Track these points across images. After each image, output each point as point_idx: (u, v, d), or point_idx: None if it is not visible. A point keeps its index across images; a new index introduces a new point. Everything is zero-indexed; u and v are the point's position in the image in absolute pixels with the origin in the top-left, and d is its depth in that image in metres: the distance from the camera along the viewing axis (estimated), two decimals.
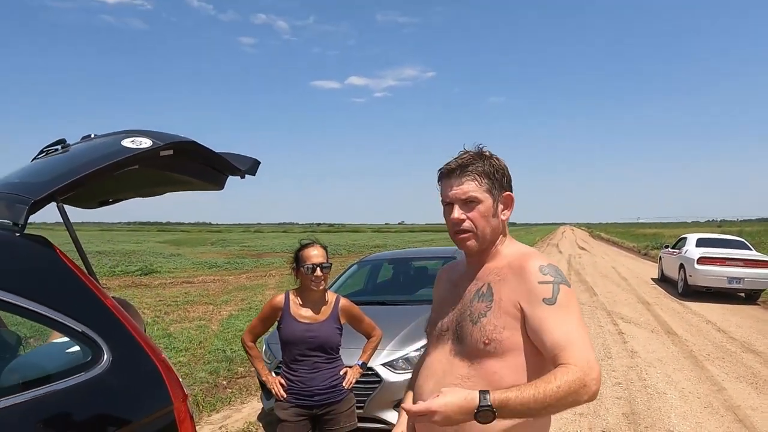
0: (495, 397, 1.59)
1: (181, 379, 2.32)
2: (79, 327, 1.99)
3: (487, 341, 1.81)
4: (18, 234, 2.01)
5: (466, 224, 1.91)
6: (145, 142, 2.39)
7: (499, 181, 1.93)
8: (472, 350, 1.85)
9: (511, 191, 1.98)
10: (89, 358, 2.00)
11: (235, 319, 11.60)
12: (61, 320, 1.95)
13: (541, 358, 1.78)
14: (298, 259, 3.62)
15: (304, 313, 3.61)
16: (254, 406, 6.56)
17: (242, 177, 3.30)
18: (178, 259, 32.76)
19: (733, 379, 7.45)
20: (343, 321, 3.74)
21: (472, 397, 1.59)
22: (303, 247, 3.65)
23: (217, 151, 2.96)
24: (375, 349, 4.03)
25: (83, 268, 2.20)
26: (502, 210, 1.96)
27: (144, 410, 2.13)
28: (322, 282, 3.58)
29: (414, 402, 1.96)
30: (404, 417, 2.18)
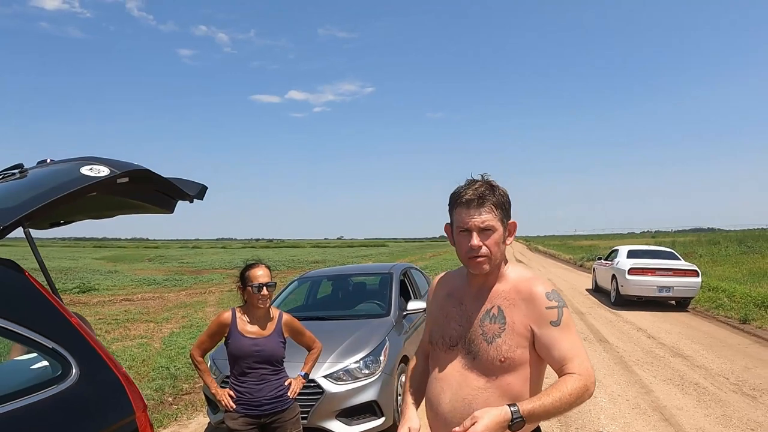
0: (524, 408, 1.91)
1: (140, 390, 2.45)
2: (49, 343, 2.11)
3: (503, 359, 2.09)
4: None
5: (483, 250, 2.10)
6: (103, 171, 2.54)
7: (507, 211, 2.16)
8: (487, 366, 2.12)
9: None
10: (59, 372, 2.13)
11: (177, 337, 11.49)
12: (33, 337, 2.07)
13: (540, 368, 2.15)
14: (244, 279, 3.79)
15: (251, 329, 3.81)
16: (201, 421, 6.57)
17: (191, 201, 3.46)
18: (116, 276, 32.09)
19: (660, 382, 7.80)
20: (286, 335, 3.94)
21: (505, 412, 1.90)
22: (249, 267, 3.84)
23: (167, 177, 3.09)
24: (316, 360, 4.22)
25: (48, 288, 2.31)
26: (508, 237, 2.18)
27: (110, 419, 2.26)
28: (268, 300, 3.79)
29: (432, 409, 2.26)
30: (412, 410, 2.39)
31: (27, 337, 2.06)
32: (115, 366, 2.36)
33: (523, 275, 2.22)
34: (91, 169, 2.54)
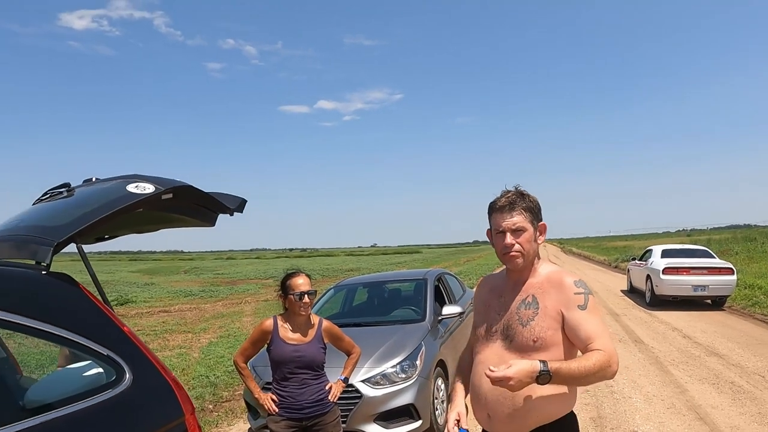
0: (551, 365, 2.20)
1: (188, 394, 2.63)
2: (105, 351, 2.29)
3: (535, 339, 2.38)
4: (44, 272, 2.30)
5: (516, 248, 2.46)
6: (149, 188, 2.71)
7: (537, 214, 2.51)
8: (522, 346, 2.41)
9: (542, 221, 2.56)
10: (113, 378, 2.30)
11: (216, 346, 11.72)
12: (89, 345, 2.25)
13: (571, 351, 2.40)
14: (285, 287, 3.96)
15: (292, 336, 3.97)
16: (241, 427, 6.78)
17: (231, 215, 3.62)
18: (153, 289, 32.55)
19: (695, 382, 7.81)
20: (326, 341, 4.10)
21: (535, 365, 2.20)
22: (289, 275, 4.00)
23: (208, 191, 3.25)
24: (355, 364, 4.39)
25: (101, 299, 2.49)
26: (539, 236, 2.53)
27: (162, 421, 2.43)
28: (309, 307, 3.96)
29: (467, 395, 2.66)
30: (460, 397, 2.69)
31: (84, 345, 2.23)
32: (165, 371, 2.52)
33: (554, 269, 2.56)
34: (137, 186, 2.70)
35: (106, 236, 3.76)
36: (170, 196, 2.85)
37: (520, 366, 2.20)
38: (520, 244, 2.45)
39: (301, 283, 3.91)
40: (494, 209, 2.52)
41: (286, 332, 3.97)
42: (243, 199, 3.67)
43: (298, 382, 3.95)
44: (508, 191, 2.53)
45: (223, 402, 7.91)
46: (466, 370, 2.76)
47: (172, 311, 20.33)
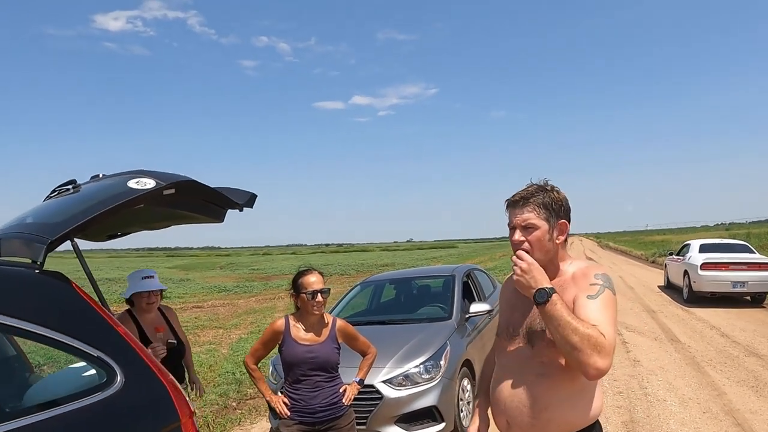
0: (555, 296, 2.07)
1: (188, 398, 2.53)
2: (95, 352, 2.21)
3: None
4: (37, 271, 2.24)
5: (525, 245, 2.29)
6: (149, 183, 2.64)
7: (556, 211, 2.31)
8: (544, 351, 2.23)
9: (568, 219, 2.36)
10: (104, 380, 2.23)
11: (245, 342, 11.70)
12: (78, 346, 2.17)
13: None
14: (297, 286, 3.82)
15: (304, 336, 3.83)
16: (263, 426, 6.70)
17: (240, 210, 3.55)
18: (188, 284, 32.83)
19: (733, 384, 7.52)
20: (340, 341, 3.95)
21: (546, 281, 2.13)
22: (301, 273, 3.86)
23: (216, 186, 3.19)
24: (371, 365, 4.23)
25: (96, 298, 2.42)
26: (557, 235, 2.32)
27: (155, 425, 2.35)
28: (322, 306, 3.82)
29: (494, 396, 2.44)
30: (482, 408, 2.66)
31: (72, 346, 2.15)
32: (161, 374, 2.44)
33: (583, 265, 2.36)
34: (138, 182, 2.64)
35: (119, 233, 3.79)
36: (172, 191, 2.78)
37: (541, 273, 2.16)
38: (528, 241, 2.29)
39: (313, 281, 3.77)
40: (509, 204, 2.39)
41: (298, 332, 3.83)
42: (252, 194, 3.59)
43: (311, 385, 3.81)
44: (528, 185, 2.39)
45: (248, 400, 7.85)
46: (489, 377, 2.61)
47: (205, 307, 20.44)
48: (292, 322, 3.87)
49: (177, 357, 4.35)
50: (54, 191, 2.91)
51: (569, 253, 2.44)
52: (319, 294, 3.74)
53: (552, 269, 2.34)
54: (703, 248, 15.86)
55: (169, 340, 4.14)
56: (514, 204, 2.34)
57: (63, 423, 2.01)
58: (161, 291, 4.33)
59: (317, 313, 3.80)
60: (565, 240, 2.37)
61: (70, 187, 2.84)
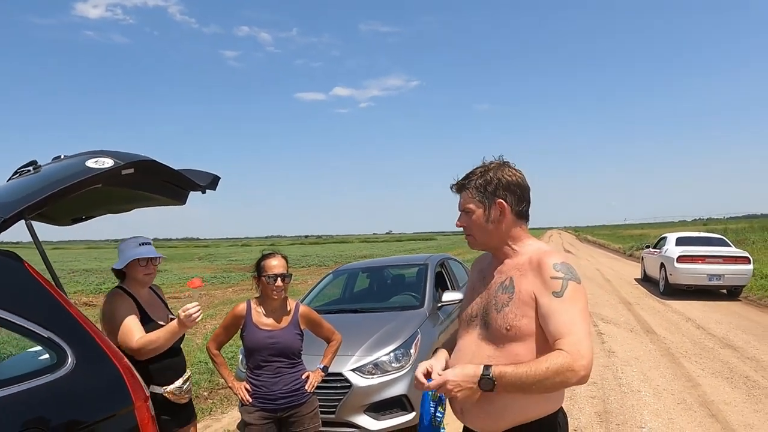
0: (495, 369, 1.98)
1: (142, 382, 2.48)
2: (45, 333, 2.17)
3: (508, 327, 2.11)
4: None
5: (466, 229, 2.32)
6: (107, 162, 2.59)
7: (491, 192, 2.24)
8: (496, 335, 2.15)
9: (508, 198, 2.24)
10: (54, 361, 2.19)
11: None
12: (28, 327, 2.14)
13: (546, 345, 2.07)
14: (259, 269, 3.74)
15: (266, 321, 3.74)
16: (234, 415, 6.56)
17: (203, 192, 3.48)
18: (165, 275, 32.52)
19: (708, 375, 7.49)
20: (303, 327, 3.86)
21: (476, 368, 2.01)
22: (264, 257, 3.78)
23: (178, 168, 3.13)
24: (335, 352, 4.13)
25: (51, 280, 2.40)
26: (499, 216, 2.24)
27: (106, 409, 2.30)
28: (283, 291, 3.71)
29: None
30: (439, 355, 2.44)
31: (22, 326, 2.12)
32: (115, 357, 2.39)
33: (540, 248, 2.26)
34: (96, 161, 2.59)
35: (83, 217, 3.71)
36: (131, 171, 2.71)
37: (460, 370, 2.05)
38: (467, 225, 2.31)
39: (275, 264, 3.69)
40: (452, 189, 2.41)
41: (259, 317, 3.74)
42: (215, 175, 3.52)
43: (272, 371, 3.71)
44: (476, 167, 2.35)
45: (219, 389, 7.69)
46: (449, 347, 2.50)
47: (181, 297, 20.18)
48: (254, 306, 3.79)
49: (179, 342, 3.77)
50: (15, 173, 2.87)
51: (536, 239, 2.34)
52: (279, 278, 3.65)
53: (504, 251, 2.30)
54: (680, 241, 15.93)
55: (170, 316, 3.69)
56: (456, 189, 2.36)
57: (5, 405, 1.97)
58: (159, 261, 3.67)
59: (276, 297, 3.71)
60: (518, 217, 2.28)
61: (30, 168, 2.80)
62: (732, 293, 14.88)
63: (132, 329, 3.18)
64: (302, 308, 3.91)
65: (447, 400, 2.31)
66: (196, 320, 3.05)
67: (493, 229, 2.25)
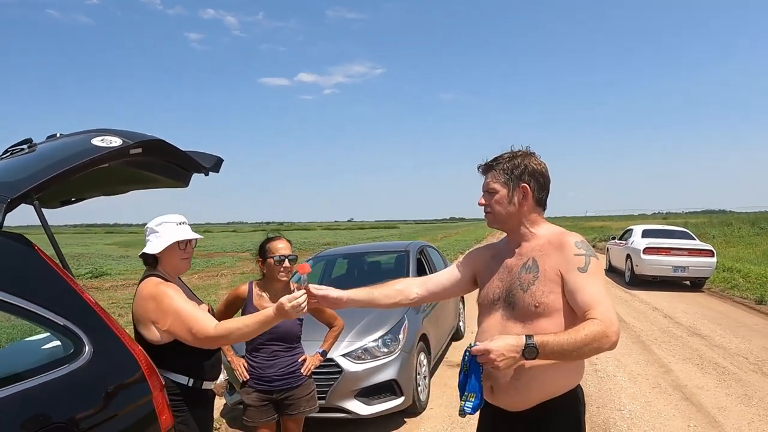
0: (538, 338, 2.05)
1: (156, 369, 2.40)
2: (61, 321, 2.04)
3: (537, 304, 2.23)
4: None
5: (487, 207, 2.43)
6: (115, 141, 2.47)
7: (517, 176, 2.36)
8: (524, 313, 2.26)
9: (532, 184, 2.36)
10: (71, 351, 2.06)
11: None
12: (44, 314, 2.00)
13: (573, 318, 2.19)
14: (264, 251, 3.71)
15: (266, 304, 3.65)
16: (217, 402, 6.51)
17: (206, 174, 3.37)
18: (129, 261, 32.02)
19: (679, 361, 7.73)
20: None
21: (520, 338, 2.06)
22: (269, 239, 3.76)
23: (182, 149, 2.99)
24: (336, 338, 4.16)
25: (60, 264, 2.26)
26: (522, 199, 2.37)
27: (126, 399, 2.22)
28: (290, 272, 3.71)
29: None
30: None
31: (37, 314, 2.00)
32: (131, 344, 2.31)
33: (556, 231, 2.41)
34: (102, 140, 2.48)
35: (73, 199, 3.48)
36: (139, 150, 2.60)
37: (504, 341, 2.08)
38: (489, 205, 2.42)
39: (281, 246, 3.69)
40: (479, 170, 2.53)
41: (261, 300, 3.72)
42: (219, 157, 3.42)
43: (269, 354, 3.75)
44: (505, 153, 2.46)
45: None
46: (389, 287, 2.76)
47: None
48: (256, 289, 3.78)
49: None
50: (7, 151, 2.71)
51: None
52: (287, 259, 3.65)
53: (522, 232, 2.42)
54: (646, 233, 16.26)
55: (208, 305, 3.34)
56: (483, 170, 2.48)
57: (25, 399, 1.86)
58: (195, 242, 3.18)
59: (284, 279, 3.70)
60: (537, 204, 2.40)
61: (25, 146, 2.65)
62: (695, 285, 15.28)
63: (201, 316, 2.71)
64: None
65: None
66: (304, 310, 2.53)
67: (514, 210, 2.37)
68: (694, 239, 15.88)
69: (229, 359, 3.88)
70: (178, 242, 2.94)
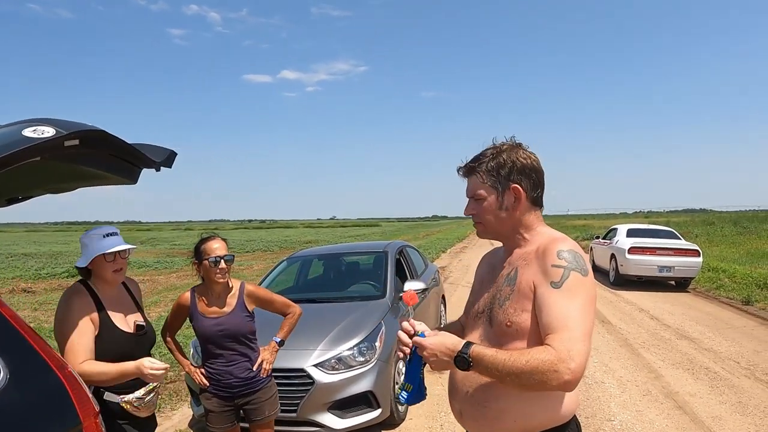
0: (475, 349, 1.80)
1: (91, 395, 2.09)
2: None
3: (509, 323, 1.91)
4: None
5: (476, 218, 2.09)
6: (48, 131, 2.17)
7: (505, 176, 2.01)
8: (499, 332, 1.95)
9: (523, 183, 2.02)
10: None
11: (165, 321, 11.06)
12: None
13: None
14: (199, 253, 3.56)
15: (211, 308, 3.62)
16: (185, 412, 6.17)
17: (157, 170, 3.10)
18: None
19: (669, 366, 7.45)
20: (251, 307, 3.71)
21: (456, 343, 1.85)
22: (203, 240, 3.62)
23: (129, 142, 2.71)
24: (293, 325, 3.95)
25: None
26: (513, 202, 2.02)
27: (50, 430, 1.90)
28: (227, 274, 3.55)
29: (450, 380, 2.13)
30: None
31: None
32: (58, 366, 1.99)
33: (552, 235, 2.04)
34: (35, 130, 2.16)
35: (19, 197, 3.20)
36: (76, 142, 2.29)
37: (441, 339, 1.89)
38: (478, 213, 2.08)
39: (216, 247, 3.52)
40: (458, 173, 2.18)
41: (204, 305, 3.59)
42: (171, 151, 3.11)
43: (226, 360, 3.60)
44: (487, 147, 2.10)
45: (168, 383, 7.24)
46: (448, 329, 2.31)
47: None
48: (197, 294, 3.64)
49: (148, 345, 3.25)
50: None
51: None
52: (222, 260, 3.47)
53: (515, 239, 2.07)
54: (631, 233, 16.06)
55: (137, 322, 3.14)
56: (463, 173, 2.14)
57: None
58: (129, 252, 3.18)
59: (221, 281, 3.53)
60: (532, 204, 2.05)
61: None
62: (681, 285, 15.10)
63: (77, 349, 2.75)
64: (247, 287, 3.73)
65: (449, 402, 2.14)
66: (159, 379, 2.81)
67: (507, 217, 2.04)
68: (680, 239, 15.69)
69: (187, 369, 3.81)
70: (104, 255, 2.93)
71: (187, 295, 3.66)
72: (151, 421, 3.16)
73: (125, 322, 3.03)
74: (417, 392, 2.10)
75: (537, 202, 2.07)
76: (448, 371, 2.11)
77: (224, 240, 3.64)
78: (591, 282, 1.86)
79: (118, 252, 3.00)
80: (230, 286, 3.66)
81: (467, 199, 2.12)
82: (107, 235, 3.02)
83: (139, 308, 3.24)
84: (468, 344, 1.83)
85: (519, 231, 2.06)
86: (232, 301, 3.62)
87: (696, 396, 6.19)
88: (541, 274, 1.87)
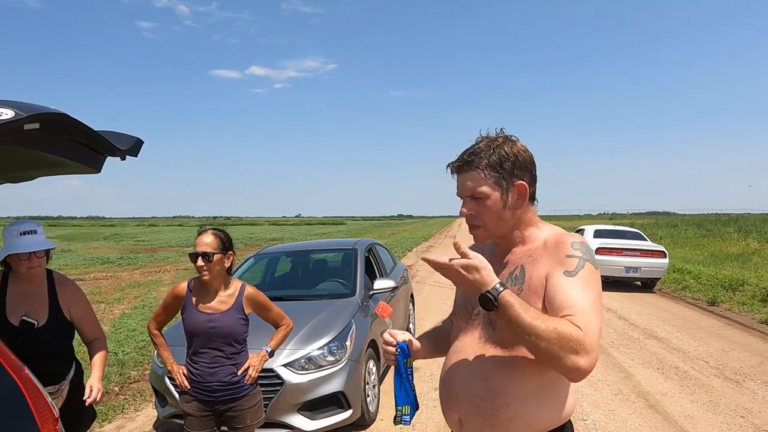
0: (506, 295, 1.61)
1: (49, 398, 1.96)
2: None
3: None
4: None
5: (475, 219, 1.87)
6: (7, 113, 2.04)
7: (509, 171, 1.83)
8: (504, 336, 1.79)
9: (527, 178, 1.87)
10: None
11: (128, 318, 10.80)
12: None
13: None
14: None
15: (206, 303, 3.43)
16: (149, 413, 5.96)
17: (122, 158, 2.98)
18: (69, 255, 31.03)
19: (639, 366, 7.45)
20: (248, 311, 3.52)
21: (492, 280, 1.64)
22: (198, 233, 3.43)
23: (94, 128, 2.59)
24: (285, 337, 3.79)
25: None
26: (516, 200, 1.86)
27: None
28: (206, 272, 3.32)
29: (445, 385, 1.96)
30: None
31: None
32: (13, 368, 1.87)
33: (557, 230, 1.90)
34: None
35: None
36: (36, 126, 2.16)
37: (484, 266, 1.65)
38: (479, 215, 1.85)
39: (206, 242, 3.32)
40: (451, 169, 1.94)
41: (200, 299, 3.40)
42: (138, 139, 2.97)
43: (210, 360, 3.39)
44: (479, 140, 1.91)
45: (131, 383, 7.03)
46: (446, 331, 2.18)
47: (87, 280, 19.14)
48: (195, 286, 3.45)
49: (44, 342, 3.14)
50: None
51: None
52: (199, 257, 3.28)
53: (513, 237, 1.91)
54: (598, 234, 16.15)
55: (24, 317, 3.07)
56: (458, 170, 1.90)
57: None
58: (48, 252, 3.21)
59: (206, 278, 3.34)
60: (532, 201, 1.90)
61: None
62: (647, 285, 15.27)
63: None
64: (248, 290, 3.54)
65: (442, 409, 2.01)
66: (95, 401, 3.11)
67: (510, 216, 1.86)
68: (646, 240, 15.84)
69: (169, 367, 3.56)
70: (18, 254, 2.98)
71: (184, 285, 3.49)
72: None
73: (17, 316, 3.05)
74: (414, 407, 2.04)
75: (533, 197, 1.93)
76: (439, 377, 2.00)
77: (218, 236, 3.40)
78: (599, 275, 1.77)
79: (33, 252, 3.05)
80: (230, 284, 3.51)
81: (460, 200, 1.93)
82: (24, 233, 3.03)
83: (53, 306, 3.21)
84: (502, 285, 1.64)
85: (518, 228, 1.90)
86: (229, 300, 3.46)
87: (667, 395, 6.18)
88: (553, 265, 1.74)
